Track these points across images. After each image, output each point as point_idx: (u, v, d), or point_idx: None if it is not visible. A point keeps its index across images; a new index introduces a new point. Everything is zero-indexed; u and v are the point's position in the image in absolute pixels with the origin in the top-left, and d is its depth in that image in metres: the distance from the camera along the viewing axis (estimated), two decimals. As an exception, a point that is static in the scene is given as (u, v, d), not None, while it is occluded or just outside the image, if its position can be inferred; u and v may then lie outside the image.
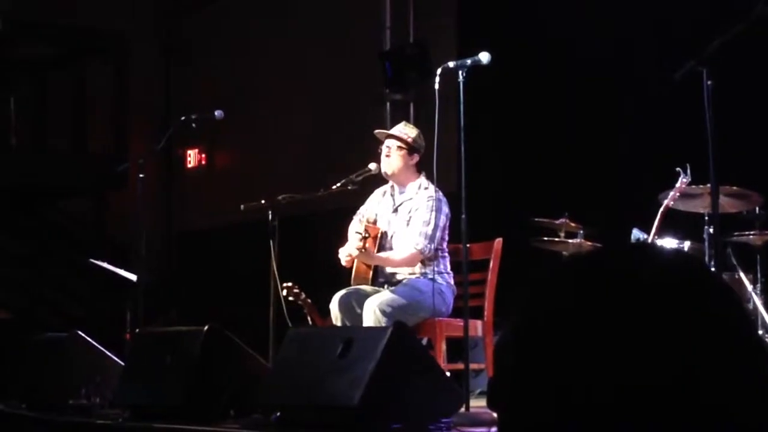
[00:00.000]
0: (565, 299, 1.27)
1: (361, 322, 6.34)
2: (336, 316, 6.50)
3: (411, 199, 6.76)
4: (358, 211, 6.99)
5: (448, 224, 6.67)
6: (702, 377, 1.21)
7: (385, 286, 6.66)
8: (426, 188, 6.73)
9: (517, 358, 1.30)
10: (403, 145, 6.76)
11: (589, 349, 1.22)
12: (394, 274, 6.72)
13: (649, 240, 6.37)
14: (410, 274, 6.68)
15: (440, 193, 6.69)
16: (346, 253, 6.63)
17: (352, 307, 6.47)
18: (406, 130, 6.85)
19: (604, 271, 1.29)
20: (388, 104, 10.30)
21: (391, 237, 6.77)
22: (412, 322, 6.24)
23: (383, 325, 6.17)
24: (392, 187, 6.91)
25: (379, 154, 6.82)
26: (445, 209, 6.67)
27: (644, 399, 1.20)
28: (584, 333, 1.23)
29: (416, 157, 6.79)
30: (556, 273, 1.33)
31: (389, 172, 6.79)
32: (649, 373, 1.20)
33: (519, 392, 1.28)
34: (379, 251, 6.72)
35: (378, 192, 7.01)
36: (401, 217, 6.75)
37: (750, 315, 1.29)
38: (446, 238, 6.70)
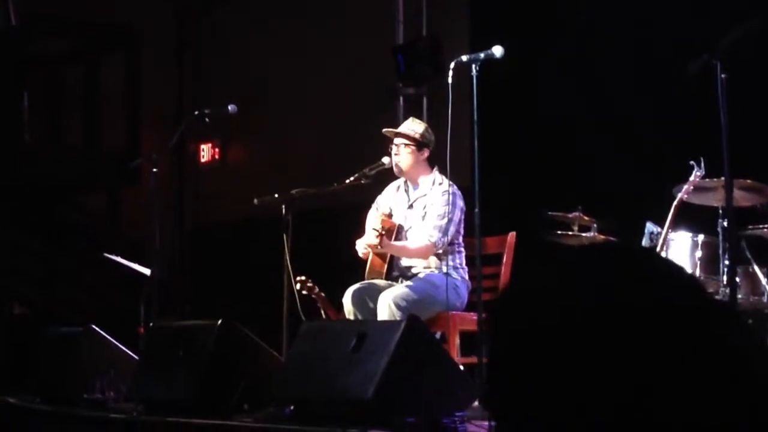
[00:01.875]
0: (549, 312, 1.26)
1: (375, 317, 6.34)
2: (349, 310, 6.50)
3: (425, 195, 6.76)
4: (376, 201, 7.00)
5: (462, 218, 6.66)
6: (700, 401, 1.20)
7: (400, 280, 6.67)
8: (440, 183, 6.72)
9: (504, 366, 1.29)
10: (411, 142, 6.76)
11: (578, 366, 1.21)
12: (409, 268, 6.72)
13: (663, 233, 6.35)
14: (425, 267, 6.68)
15: (455, 187, 6.69)
16: (363, 245, 6.63)
17: (365, 301, 6.47)
18: (413, 126, 6.85)
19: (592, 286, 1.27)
20: (401, 98, 10.28)
21: (407, 232, 6.78)
22: (426, 316, 6.24)
23: (397, 319, 6.17)
24: (406, 182, 6.91)
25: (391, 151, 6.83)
26: (460, 203, 6.66)
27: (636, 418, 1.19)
28: (568, 351, 1.22)
29: (426, 152, 6.79)
30: (537, 287, 1.32)
31: (400, 170, 6.80)
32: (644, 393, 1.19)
33: (509, 399, 1.28)
34: (395, 244, 6.73)
35: (392, 186, 7.00)
36: (416, 212, 6.76)
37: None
38: (461, 232, 6.70)
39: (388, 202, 6.95)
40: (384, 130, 6.95)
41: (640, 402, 1.19)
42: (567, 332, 1.23)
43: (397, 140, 6.80)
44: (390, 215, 6.86)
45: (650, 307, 1.23)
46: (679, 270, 1.31)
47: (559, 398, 1.22)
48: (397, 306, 6.31)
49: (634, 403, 1.19)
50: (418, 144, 6.76)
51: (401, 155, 6.77)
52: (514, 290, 1.35)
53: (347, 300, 6.52)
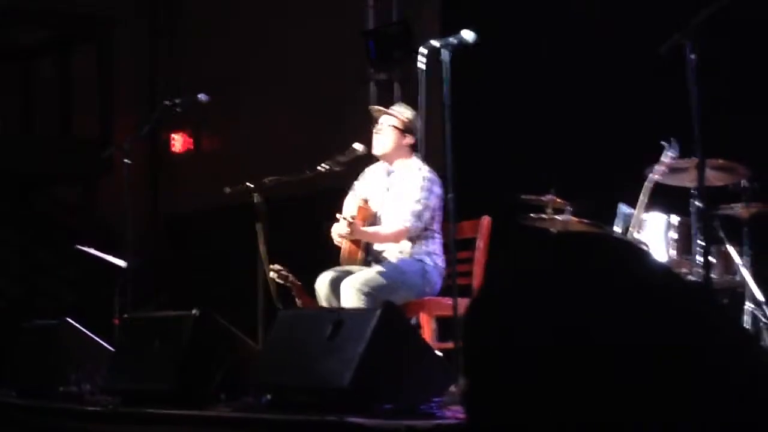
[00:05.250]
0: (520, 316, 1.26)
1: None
2: (321, 296, 6.50)
3: (403, 179, 6.75)
4: (353, 185, 6.99)
5: (440, 205, 6.65)
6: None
7: (373, 264, 6.66)
8: (419, 169, 6.71)
9: (478, 371, 1.29)
10: (397, 124, 6.75)
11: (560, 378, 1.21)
12: (382, 252, 6.71)
13: (636, 214, 6.37)
14: (400, 252, 6.67)
15: (433, 174, 6.68)
16: (336, 233, 6.63)
17: (338, 287, 6.46)
18: (401, 109, 6.85)
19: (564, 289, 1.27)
20: (372, 84, 10.27)
21: (381, 217, 6.77)
22: (395, 302, 6.24)
23: (362, 304, 6.17)
24: (384, 165, 6.90)
25: (368, 134, 6.81)
26: (437, 190, 6.65)
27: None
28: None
29: (410, 138, 6.77)
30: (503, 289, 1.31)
31: (380, 152, 6.79)
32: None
33: (483, 401, 1.27)
34: (370, 231, 6.72)
35: (370, 170, 7.00)
36: (393, 196, 6.75)
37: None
38: (438, 219, 6.69)
39: (365, 186, 6.94)
40: (371, 107, 6.96)
41: (618, 393, 1.19)
42: (540, 334, 1.23)
43: (381, 120, 6.79)
44: (367, 201, 6.84)
45: (624, 295, 1.23)
46: (652, 259, 1.31)
47: (532, 395, 1.22)
48: (361, 291, 6.30)
49: (610, 396, 1.19)
50: (404, 128, 6.75)
51: (384, 135, 6.76)
52: (487, 294, 1.35)
53: (320, 286, 6.52)
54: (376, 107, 7.00)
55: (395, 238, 6.63)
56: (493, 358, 1.26)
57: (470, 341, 1.32)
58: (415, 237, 6.62)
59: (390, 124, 6.77)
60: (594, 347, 1.21)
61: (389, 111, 6.84)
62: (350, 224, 6.40)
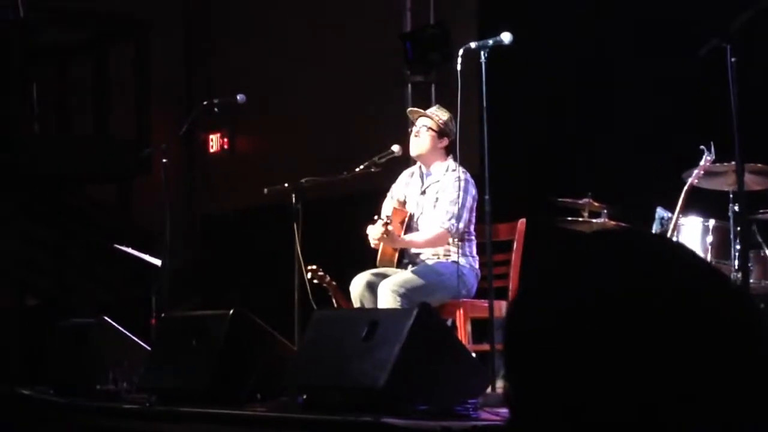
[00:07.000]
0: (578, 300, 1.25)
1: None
2: (356, 297, 6.51)
3: (438, 181, 6.77)
4: (391, 189, 7.00)
5: (475, 206, 6.66)
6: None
7: (409, 267, 6.66)
8: (453, 170, 6.72)
9: (520, 369, 1.28)
10: (433, 127, 6.77)
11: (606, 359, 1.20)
12: (418, 255, 6.72)
13: (674, 218, 6.34)
14: (433, 255, 6.68)
15: (468, 175, 6.70)
16: (372, 234, 6.63)
17: (373, 289, 6.47)
18: (438, 112, 6.88)
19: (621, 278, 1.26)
20: (409, 86, 10.28)
21: (418, 219, 6.78)
22: (432, 304, 6.25)
23: (398, 306, 6.18)
24: (420, 168, 6.92)
25: (404, 136, 6.83)
26: (473, 191, 6.66)
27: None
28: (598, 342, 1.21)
29: (445, 141, 6.80)
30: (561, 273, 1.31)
31: (416, 153, 6.82)
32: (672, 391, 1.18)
33: (527, 399, 1.27)
34: (406, 233, 6.72)
35: (406, 173, 7.02)
36: (429, 198, 6.76)
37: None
38: (473, 220, 6.70)
39: (402, 189, 6.95)
40: (409, 110, 6.99)
41: (665, 396, 1.18)
42: (582, 329, 1.22)
43: (419, 122, 6.82)
44: (404, 203, 6.87)
45: (667, 295, 1.22)
46: (693, 254, 1.30)
47: (578, 397, 1.21)
48: (396, 293, 6.31)
49: (658, 397, 1.18)
50: (440, 130, 6.77)
51: (421, 138, 6.79)
52: (526, 291, 1.34)
53: (354, 288, 6.53)
54: (413, 109, 7.03)
55: (435, 242, 6.64)
56: (538, 358, 1.25)
57: (512, 342, 1.31)
58: (454, 237, 6.62)
59: (426, 126, 6.78)
60: (638, 345, 1.20)
61: (426, 113, 6.86)
62: (388, 232, 6.41)
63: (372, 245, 6.67)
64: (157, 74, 12.72)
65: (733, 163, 5.37)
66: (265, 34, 12.13)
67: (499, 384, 5.59)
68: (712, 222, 6.47)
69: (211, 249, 12.78)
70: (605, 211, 6.97)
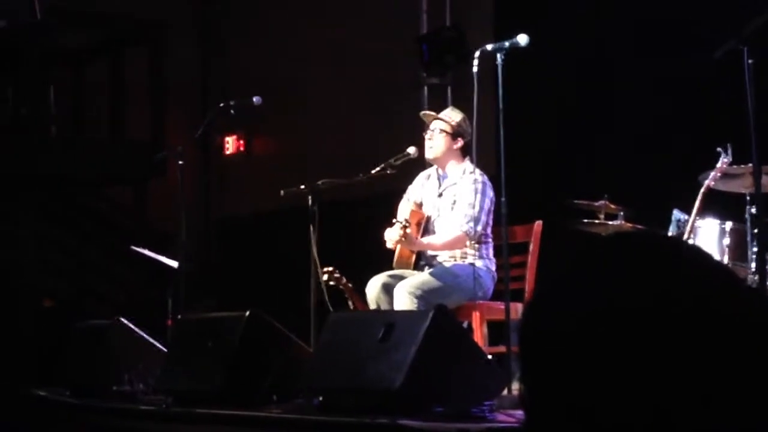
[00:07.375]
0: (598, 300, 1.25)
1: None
2: (372, 299, 6.51)
3: (455, 183, 6.76)
4: (407, 190, 7.00)
5: (492, 209, 6.66)
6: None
7: (425, 269, 6.66)
8: (471, 172, 6.72)
9: (536, 372, 1.28)
10: (447, 129, 6.77)
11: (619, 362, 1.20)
12: (435, 257, 6.72)
13: (690, 221, 6.33)
14: (450, 257, 6.67)
15: (485, 177, 6.70)
16: (390, 237, 6.63)
17: (389, 291, 6.47)
18: (451, 114, 6.87)
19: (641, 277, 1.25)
20: (425, 88, 10.28)
21: (435, 221, 6.78)
22: (448, 306, 6.25)
23: (414, 308, 6.18)
24: (437, 170, 6.91)
25: (420, 138, 6.83)
26: (490, 193, 6.66)
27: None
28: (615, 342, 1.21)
29: (460, 142, 6.79)
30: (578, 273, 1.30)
31: (431, 156, 6.82)
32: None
33: (544, 402, 1.26)
34: (423, 236, 6.72)
35: (422, 175, 7.02)
36: (446, 201, 6.76)
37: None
38: (490, 223, 6.70)
39: (418, 191, 6.95)
40: (422, 113, 6.99)
41: (679, 398, 1.18)
42: (597, 331, 1.22)
43: (432, 125, 6.82)
44: (420, 205, 6.88)
45: (683, 298, 1.22)
46: (709, 257, 1.30)
47: (593, 399, 1.21)
48: (413, 295, 6.31)
49: (673, 400, 1.18)
50: (454, 132, 6.77)
51: (435, 140, 6.79)
52: (542, 293, 1.34)
53: (371, 290, 6.53)
54: (426, 112, 7.02)
55: (453, 245, 6.63)
56: (553, 360, 1.25)
57: (528, 344, 1.31)
58: (472, 240, 6.62)
59: (440, 129, 6.78)
60: (654, 348, 1.20)
61: (439, 116, 6.85)
62: (406, 235, 6.41)
63: (389, 246, 6.67)
64: (172, 76, 12.73)
65: (750, 165, 5.35)
66: (281, 36, 12.14)
67: (515, 386, 5.58)
68: (729, 224, 6.45)
69: (227, 251, 12.80)
70: (621, 213, 6.95)
